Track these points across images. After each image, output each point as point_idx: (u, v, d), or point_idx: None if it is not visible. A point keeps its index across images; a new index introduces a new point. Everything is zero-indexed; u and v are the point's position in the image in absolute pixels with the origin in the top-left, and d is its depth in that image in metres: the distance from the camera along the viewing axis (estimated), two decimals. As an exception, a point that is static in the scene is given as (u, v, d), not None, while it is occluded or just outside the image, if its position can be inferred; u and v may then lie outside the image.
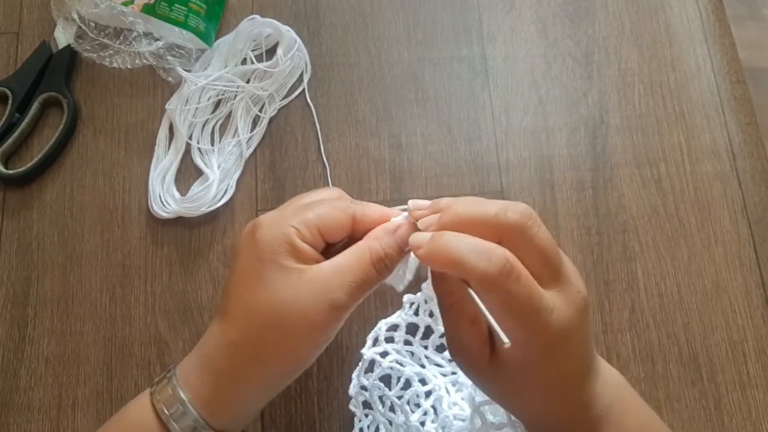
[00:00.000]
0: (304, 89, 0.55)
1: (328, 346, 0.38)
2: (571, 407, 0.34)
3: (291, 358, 0.35)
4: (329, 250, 0.37)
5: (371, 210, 0.37)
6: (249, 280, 0.34)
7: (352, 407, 0.45)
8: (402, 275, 0.38)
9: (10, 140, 0.52)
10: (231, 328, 0.35)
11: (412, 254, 0.37)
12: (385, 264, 0.35)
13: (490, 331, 0.34)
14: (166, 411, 0.34)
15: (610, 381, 0.36)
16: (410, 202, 0.37)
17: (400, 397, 0.45)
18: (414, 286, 0.45)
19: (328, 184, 0.53)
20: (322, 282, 0.33)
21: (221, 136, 0.53)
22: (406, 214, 0.36)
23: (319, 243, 0.36)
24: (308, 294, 0.33)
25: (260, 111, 0.54)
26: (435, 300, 0.46)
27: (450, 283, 0.34)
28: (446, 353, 0.47)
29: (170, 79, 0.54)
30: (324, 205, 0.36)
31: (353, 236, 0.37)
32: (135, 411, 0.36)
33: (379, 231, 0.36)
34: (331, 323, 0.34)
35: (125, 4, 0.52)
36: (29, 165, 0.51)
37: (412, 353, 0.47)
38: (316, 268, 0.34)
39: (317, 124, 0.54)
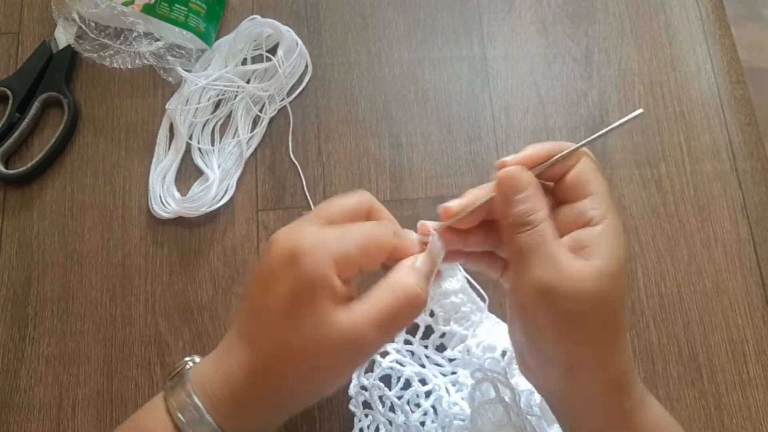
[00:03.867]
0: (304, 89, 0.55)
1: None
2: (604, 377, 0.34)
3: (313, 392, 0.35)
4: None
5: (410, 243, 0.36)
6: (281, 314, 0.33)
7: (352, 407, 0.45)
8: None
9: (11, 140, 0.52)
10: (255, 354, 0.34)
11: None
12: (419, 304, 0.35)
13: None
14: (182, 417, 0.34)
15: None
16: (419, 224, 0.36)
17: (400, 397, 0.45)
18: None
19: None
20: (356, 329, 0.33)
21: (221, 136, 0.53)
22: (435, 236, 0.36)
23: (355, 276, 0.35)
24: (339, 340, 0.33)
25: (260, 111, 0.54)
26: (435, 300, 0.46)
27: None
28: (446, 353, 0.47)
29: (170, 79, 0.54)
30: (366, 234, 0.35)
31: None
32: (148, 417, 0.35)
33: (410, 272, 0.35)
34: (358, 365, 0.35)
35: (125, 4, 0.52)
36: (29, 165, 0.52)
37: (412, 353, 0.47)
38: (349, 313, 0.33)
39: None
